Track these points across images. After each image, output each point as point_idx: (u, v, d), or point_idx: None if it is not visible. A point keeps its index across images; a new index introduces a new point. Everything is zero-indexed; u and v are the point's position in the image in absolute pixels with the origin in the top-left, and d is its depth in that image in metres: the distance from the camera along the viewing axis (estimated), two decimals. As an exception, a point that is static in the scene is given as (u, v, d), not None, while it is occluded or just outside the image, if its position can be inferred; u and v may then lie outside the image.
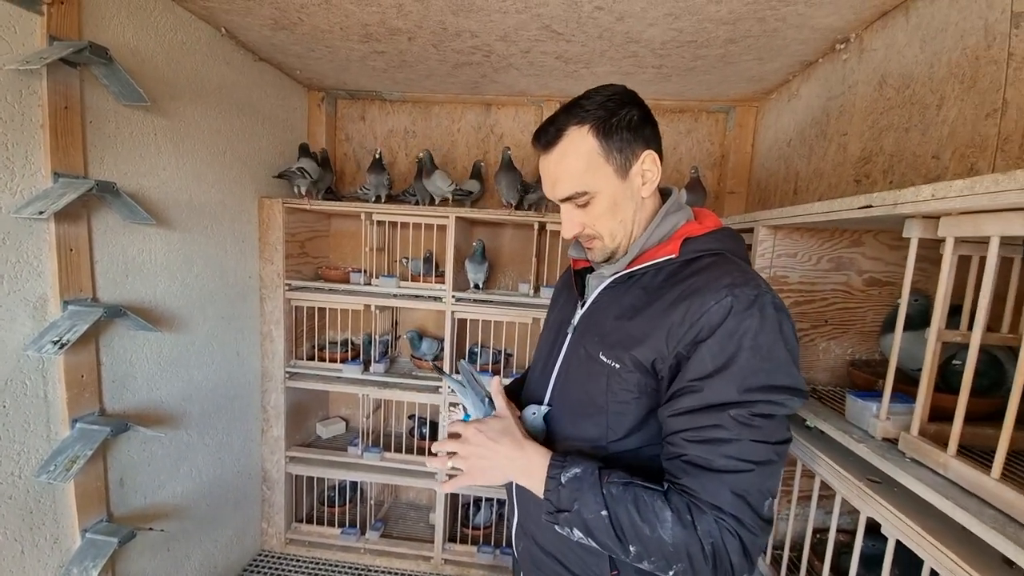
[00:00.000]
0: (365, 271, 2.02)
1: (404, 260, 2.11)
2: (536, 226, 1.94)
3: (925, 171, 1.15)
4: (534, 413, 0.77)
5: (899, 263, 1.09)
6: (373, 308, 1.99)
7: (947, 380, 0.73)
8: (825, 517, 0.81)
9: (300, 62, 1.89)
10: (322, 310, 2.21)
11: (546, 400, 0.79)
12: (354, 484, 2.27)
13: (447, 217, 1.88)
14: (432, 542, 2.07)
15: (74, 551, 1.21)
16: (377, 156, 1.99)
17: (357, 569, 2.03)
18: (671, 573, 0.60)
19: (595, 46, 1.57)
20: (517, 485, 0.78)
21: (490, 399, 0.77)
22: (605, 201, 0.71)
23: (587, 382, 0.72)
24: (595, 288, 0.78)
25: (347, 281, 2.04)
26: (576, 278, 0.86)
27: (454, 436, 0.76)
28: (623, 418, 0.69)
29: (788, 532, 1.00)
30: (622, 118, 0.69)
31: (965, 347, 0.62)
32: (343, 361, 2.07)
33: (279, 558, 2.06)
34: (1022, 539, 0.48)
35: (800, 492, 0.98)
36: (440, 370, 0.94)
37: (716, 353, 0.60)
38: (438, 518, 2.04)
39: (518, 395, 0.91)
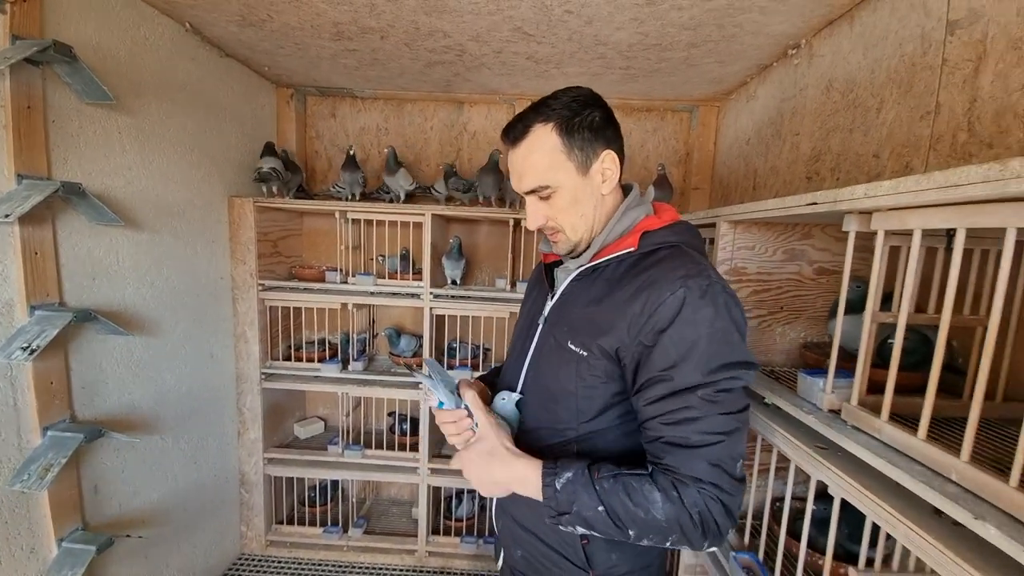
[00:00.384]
0: (341, 269, 2.02)
1: (380, 258, 2.11)
2: (512, 222, 1.99)
3: (867, 169, 1.26)
4: (504, 399, 0.82)
5: (844, 253, 1.19)
6: (350, 306, 1.99)
7: (884, 357, 0.82)
8: (785, 488, 0.89)
9: (268, 59, 1.86)
10: (297, 310, 2.19)
11: (519, 387, 0.84)
12: (335, 483, 2.27)
13: (423, 215, 1.90)
14: (415, 536, 2.10)
15: (51, 560, 1.18)
16: (351, 153, 1.99)
17: (341, 566, 2.04)
18: (668, 543, 0.67)
19: (565, 48, 1.62)
20: None
21: (458, 390, 0.82)
22: (567, 195, 0.77)
23: (558, 369, 0.78)
24: (563, 281, 0.83)
25: (322, 280, 2.03)
26: (547, 272, 0.92)
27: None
28: (592, 401, 0.76)
29: (750, 502, 1.09)
30: (584, 118, 0.74)
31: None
32: (320, 361, 2.06)
33: (260, 560, 2.05)
34: (947, 490, 0.56)
35: (760, 465, 1.07)
36: (410, 368, 0.98)
37: (678, 342, 0.66)
38: (421, 512, 2.07)
39: (494, 384, 0.96)
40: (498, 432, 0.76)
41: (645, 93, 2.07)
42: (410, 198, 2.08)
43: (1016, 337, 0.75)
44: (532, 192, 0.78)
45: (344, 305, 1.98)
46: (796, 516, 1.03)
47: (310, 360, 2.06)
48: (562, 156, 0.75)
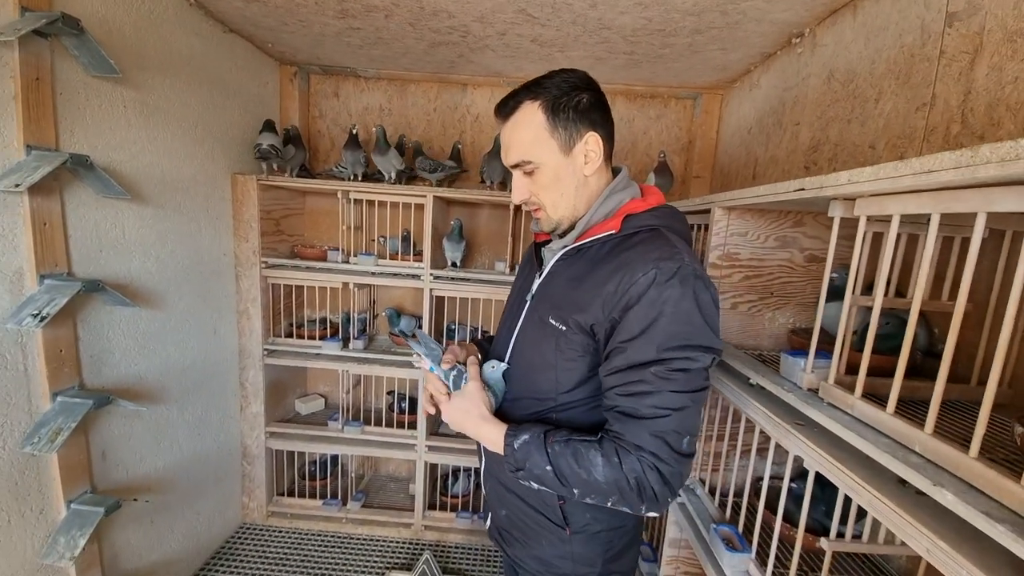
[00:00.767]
0: (343, 249, 2.04)
1: (382, 239, 2.14)
2: (512, 207, 2.00)
3: (863, 160, 1.28)
4: (493, 367, 0.89)
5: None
6: (352, 286, 2.02)
7: (864, 340, 0.85)
8: (765, 466, 0.93)
9: (272, 35, 1.86)
10: (299, 288, 2.22)
11: (507, 357, 0.90)
12: (335, 458, 2.33)
13: (425, 196, 1.92)
14: (412, 510, 2.16)
15: (60, 521, 1.23)
16: (353, 132, 1.99)
17: (339, 537, 2.11)
18: (608, 503, 0.72)
19: (569, 31, 1.62)
20: None
21: (460, 362, 0.91)
22: (548, 172, 0.80)
23: (540, 342, 0.83)
24: (550, 260, 0.87)
25: (324, 259, 2.06)
26: (537, 251, 0.96)
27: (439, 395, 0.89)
28: (571, 374, 0.80)
29: (732, 480, 1.13)
30: (571, 99, 0.77)
31: (884, 312, 0.73)
32: (321, 338, 2.10)
33: (261, 529, 2.12)
34: (910, 460, 0.60)
35: (744, 446, 1.11)
36: (405, 334, 1.05)
37: (640, 318, 0.70)
38: (418, 488, 2.13)
39: (487, 351, 1.03)
40: (479, 397, 0.83)
41: (648, 79, 2.07)
42: (410, 180, 2.09)
43: (993, 323, 0.78)
44: (517, 166, 0.81)
45: (345, 284, 2.01)
46: (776, 495, 1.07)
47: (311, 338, 2.10)
48: (545, 133, 0.78)
